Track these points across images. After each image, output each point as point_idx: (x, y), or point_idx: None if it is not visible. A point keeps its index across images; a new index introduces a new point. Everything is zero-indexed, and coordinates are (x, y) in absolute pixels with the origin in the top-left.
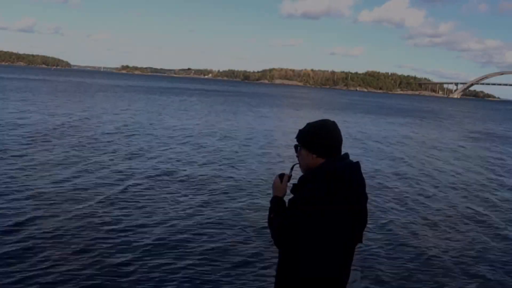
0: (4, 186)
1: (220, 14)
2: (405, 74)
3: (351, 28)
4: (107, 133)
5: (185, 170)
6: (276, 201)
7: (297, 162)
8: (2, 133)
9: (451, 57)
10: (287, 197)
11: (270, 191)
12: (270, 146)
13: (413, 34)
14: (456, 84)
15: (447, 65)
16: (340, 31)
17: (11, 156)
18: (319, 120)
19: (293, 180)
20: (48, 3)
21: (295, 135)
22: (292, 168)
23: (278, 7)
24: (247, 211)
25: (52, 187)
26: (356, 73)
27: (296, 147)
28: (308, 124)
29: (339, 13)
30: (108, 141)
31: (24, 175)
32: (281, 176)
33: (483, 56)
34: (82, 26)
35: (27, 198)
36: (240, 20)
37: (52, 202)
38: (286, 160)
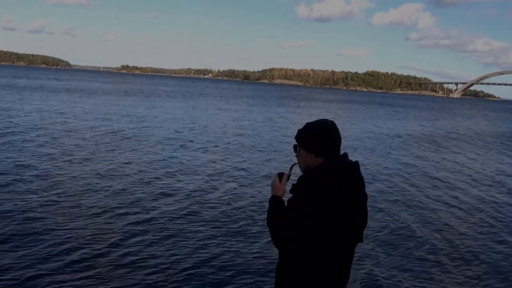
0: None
1: (234, 16)
2: (406, 74)
3: (361, 31)
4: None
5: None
6: (275, 200)
7: (297, 162)
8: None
9: (456, 58)
10: (286, 196)
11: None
12: None
13: (421, 37)
14: (456, 84)
15: (452, 67)
16: (350, 33)
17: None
18: (318, 120)
19: (293, 180)
20: (68, 4)
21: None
22: (291, 168)
23: (295, 11)
24: (247, 210)
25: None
26: (356, 73)
27: (295, 147)
28: (307, 124)
29: (352, 16)
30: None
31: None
32: (280, 175)
33: (488, 57)
34: (95, 27)
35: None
36: (254, 22)
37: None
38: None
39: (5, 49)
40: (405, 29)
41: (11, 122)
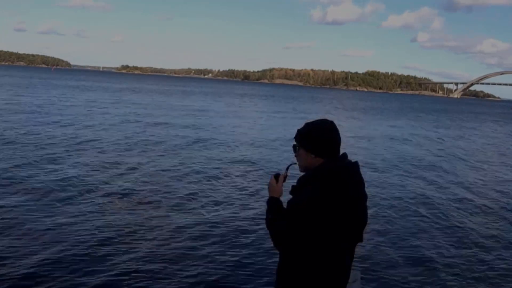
0: None
1: (241, 17)
2: (406, 74)
3: (370, 33)
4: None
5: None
6: (273, 202)
7: (293, 162)
8: None
9: (460, 59)
10: (285, 197)
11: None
12: None
13: (427, 38)
14: (456, 84)
15: (455, 68)
16: (358, 35)
17: None
18: (318, 120)
19: (290, 180)
20: (87, 6)
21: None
22: (287, 168)
23: (309, 14)
24: (247, 210)
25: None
26: (356, 72)
27: (294, 147)
28: (307, 124)
29: (364, 19)
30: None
31: None
32: (277, 176)
33: (493, 58)
34: (106, 29)
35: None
36: (261, 23)
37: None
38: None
39: (10, 50)
40: (412, 32)
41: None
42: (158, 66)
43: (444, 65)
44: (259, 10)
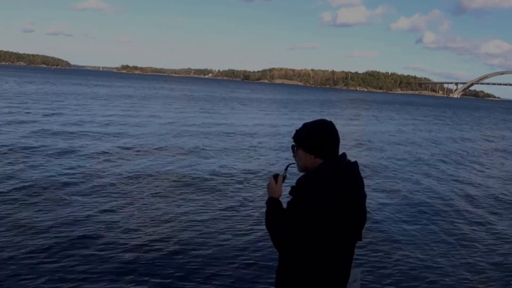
0: None
1: (255, 19)
2: (406, 74)
3: (377, 34)
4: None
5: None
6: (273, 202)
7: (292, 162)
8: None
9: (464, 60)
10: (284, 198)
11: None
12: None
13: (432, 40)
14: (456, 84)
15: (458, 68)
16: (364, 37)
17: None
18: (316, 120)
19: (289, 181)
20: (102, 9)
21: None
22: (286, 168)
23: (320, 16)
24: (246, 210)
25: None
26: (356, 72)
27: (293, 147)
28: (305, 124)
29: (372, 21)
30: None
31: None
32: (276, 176)
33: (497, 58)
34: (115, 30)
35: None
36: (276, 26)
37: None
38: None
39: (11, 50)
40: (418, 33)
41: None
42: (158, 66)
43: (446, 66)
44: (267, 12)
